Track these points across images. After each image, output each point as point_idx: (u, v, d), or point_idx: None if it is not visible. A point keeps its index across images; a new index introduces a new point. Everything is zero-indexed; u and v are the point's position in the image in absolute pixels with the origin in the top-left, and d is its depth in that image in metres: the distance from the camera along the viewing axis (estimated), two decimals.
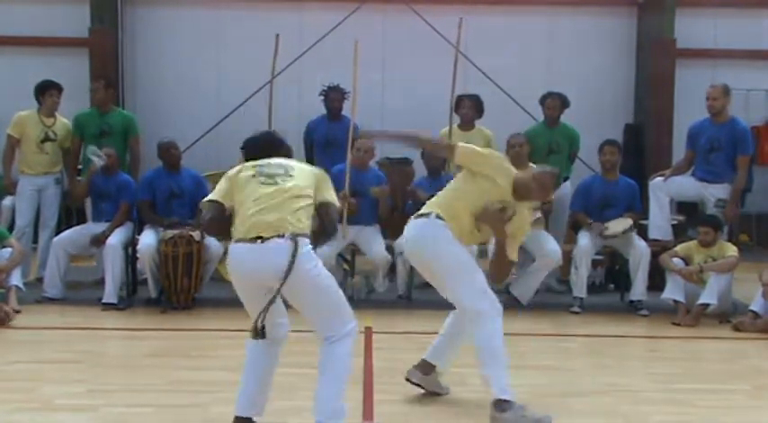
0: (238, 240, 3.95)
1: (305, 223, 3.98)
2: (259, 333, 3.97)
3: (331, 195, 4.24)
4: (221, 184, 4.20)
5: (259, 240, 3.87)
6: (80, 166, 8.17)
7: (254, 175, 4.09)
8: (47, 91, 7.82)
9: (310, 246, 3.93)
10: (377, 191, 7.39)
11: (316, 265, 3.93)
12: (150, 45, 10.81)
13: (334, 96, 8.16)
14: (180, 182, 7.44)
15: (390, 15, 10.40)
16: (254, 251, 3.88)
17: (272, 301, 3.90)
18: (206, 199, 4.23)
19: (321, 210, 4.16)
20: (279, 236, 3.86)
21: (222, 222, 4.13)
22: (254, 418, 4.10)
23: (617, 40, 10.94)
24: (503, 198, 4.58)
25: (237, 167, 4.20)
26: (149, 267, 7.06)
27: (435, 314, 6.98)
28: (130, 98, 10.72)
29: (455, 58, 7.53)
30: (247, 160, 4.28)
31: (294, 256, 3.82)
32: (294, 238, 3.86)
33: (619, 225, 7.29)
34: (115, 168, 7.53)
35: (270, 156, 4.27)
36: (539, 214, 7.24)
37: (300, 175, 4.13)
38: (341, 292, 4.06)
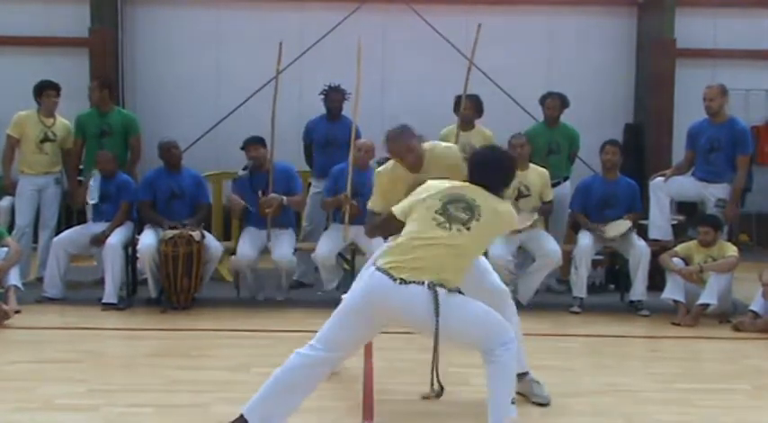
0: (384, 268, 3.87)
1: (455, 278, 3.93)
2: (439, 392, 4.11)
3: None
4: (408, 202, 4.11)
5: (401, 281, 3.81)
6: (81, 167, 8.18)
7: (437, 211, 3.96)
8: (44, 91, 7.83)
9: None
10: None
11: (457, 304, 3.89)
12: (150, 45, 10.81)
13: (334, 97, 8.16)
14: (180, 182, 7.44)
15: (391, 15, 10.40)
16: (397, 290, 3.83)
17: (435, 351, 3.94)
18: (394, 209, 4.15)
19: None
20: (419, 283, 3.81)
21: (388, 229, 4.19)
22: None
23: (617, 40, 10.94)
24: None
25: (429, 190, 4.07)
26: (149, 267, 7.06)
27: None
28: (130, 98, 10.72)
29: (470, 59, 7.50)
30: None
31: (437, 306, 3.78)
32: (434, 287, 3.81)
33: (616, 228, 7.30)
34: (115, 170, 7.53)
35: (481, 179, 4.10)
36: (536, 215, 7.25)
37: (479, 231, 3.96)
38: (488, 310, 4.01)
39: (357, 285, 4.15)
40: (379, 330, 4.07)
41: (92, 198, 7.46)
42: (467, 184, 4.11)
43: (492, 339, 3.93)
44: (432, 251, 3.87)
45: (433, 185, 4.12)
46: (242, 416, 3.89)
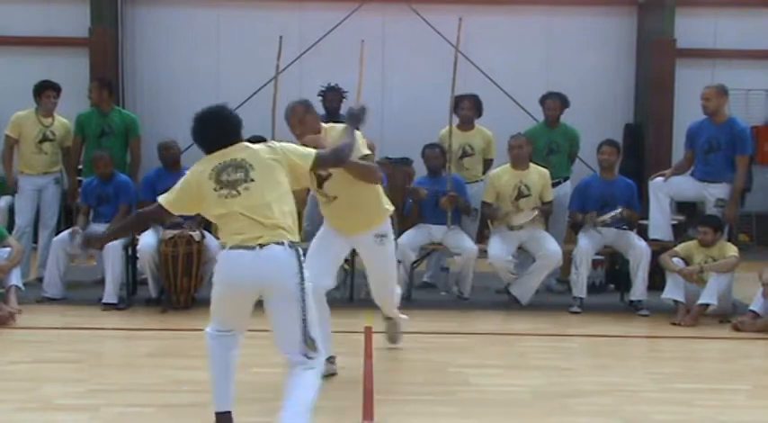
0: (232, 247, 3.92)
1: (294, 225, 3.95)
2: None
3: (301, 154, 4.14)
4: (177, 192, 4.09)
5: (258, 247, 3.84)
6: (80, 167, 8.18)
7: (215, 189, 3.94)
8: (44, 92, 7.83)
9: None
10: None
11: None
12: (150, 45, 10.82)
13: (331, 96, 8.16)
14: None
15: (390, 15, 10.41)
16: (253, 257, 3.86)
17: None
18: (160, 198, 4.14)
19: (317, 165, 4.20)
20: (277, 243, 3.85)
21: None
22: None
23: (617, 40, 10.95)
24: None
25: (195, 173, 4.03)
26: (149, 267, 7.06)
27: (435, 314, 7.02)
28: (130, 98, 10.73)
29: (455, 58, 7.53)
30: (204, 149, 4.10)
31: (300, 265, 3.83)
32: (293, 246, 3.85)
33: (609, 214, 7.27)
34: (111, 172, 7.52)
35: (224, 143, 4.06)
36: (536, 213, 7.24)
37: (260, 172, 3.97)
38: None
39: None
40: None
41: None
42: (221, 151, 4.04)
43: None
44: (249, 219, 3.88)
45: (200, 171, 4.04)
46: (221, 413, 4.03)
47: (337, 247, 5.05)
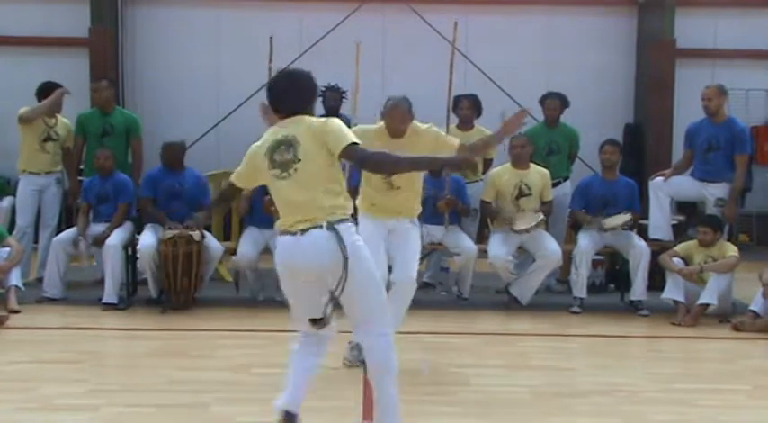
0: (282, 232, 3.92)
1: (337, 203, 3.87)
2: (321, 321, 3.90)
3: (340, 139, 3.87)
4: (242, 166, 4.10)
5: (299, 234, 3.82)
6: (81, 166, 8.18)
7: (269, 167, 3.92)
8: (49, 93, 7.80)
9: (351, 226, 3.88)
10: None
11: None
12: (150, 45, 10.82)
13: (331, 96, 8.17)
14: (182, 181, 7.42)
15: (390, 15, 10.41)
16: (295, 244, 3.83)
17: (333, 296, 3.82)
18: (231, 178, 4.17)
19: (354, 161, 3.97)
20: (315, 227, 3.80)
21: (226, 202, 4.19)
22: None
23: (617, 40, 10.95)
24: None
25: (255, 146, 4.02)
26: (149, 267, 7.06)
27: (435, 314, 7.02)
28: (130, 98, 10.73)
29: (451, 58, 7.54)
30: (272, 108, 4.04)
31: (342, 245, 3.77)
32: (332, 226, 3.79)
33: (617, 219, 7.29)
34: (112, 168, 7.53)
35: (288, 110, 3.98)
36: (541, 216, 7.24)
37: (308, 151, 3.87)
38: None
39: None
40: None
41: None
42: (285, 120, 3.99)
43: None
44: (294, 202, 3.86)
45: (260, 145, 4.02)
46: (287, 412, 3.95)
47: (382, 244, 5.34)
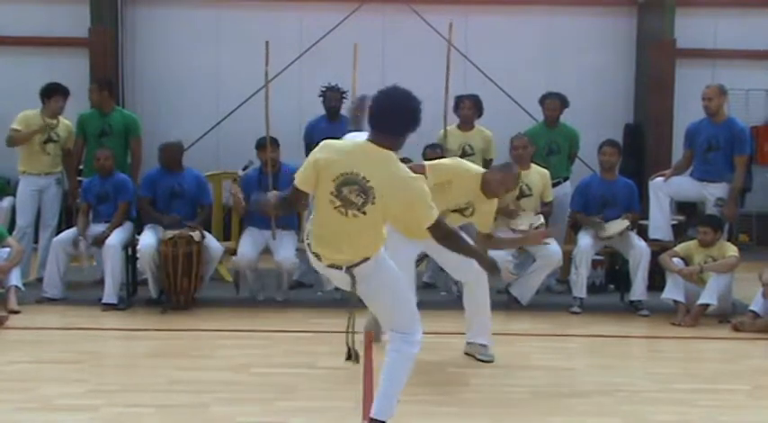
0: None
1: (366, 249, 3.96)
2: (353, 357, 4.14)
3: (427, 211, 3.82)
4: (303, 169, 3.95)
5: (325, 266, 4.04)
6: (81, 167, 8.18)
7: (331, 192, 3.83)
8: (53, 96, 7.79)
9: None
10: None
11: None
12: (150, 45, 10.81)
13: (332, 96, 8.16)
14: (182, 181, 7.42)
15: (390, 15, 10.40)
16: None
17: (350, 320, 4.07)
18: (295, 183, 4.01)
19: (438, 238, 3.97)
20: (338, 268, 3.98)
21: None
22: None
23: (617, 40, 10.94)
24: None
25: (323, 159, 3.86)
26: (149, 267, 7.06)
27: (435, 314, 7.00)
28: (130, 98, 10.72)
29: (447, 58, 7.54)
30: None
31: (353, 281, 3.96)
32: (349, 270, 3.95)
33: (615, 226, 7.30)
34: (112, 167, 7.52)
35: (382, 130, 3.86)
36: (541, 219, 7.24)
37: (378, 207, 3.80)
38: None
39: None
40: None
41: None
42: (364, 146, 3.86)
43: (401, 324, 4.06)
44: (335, 237, 3.93)
45: (332, 155, 3.88)
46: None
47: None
